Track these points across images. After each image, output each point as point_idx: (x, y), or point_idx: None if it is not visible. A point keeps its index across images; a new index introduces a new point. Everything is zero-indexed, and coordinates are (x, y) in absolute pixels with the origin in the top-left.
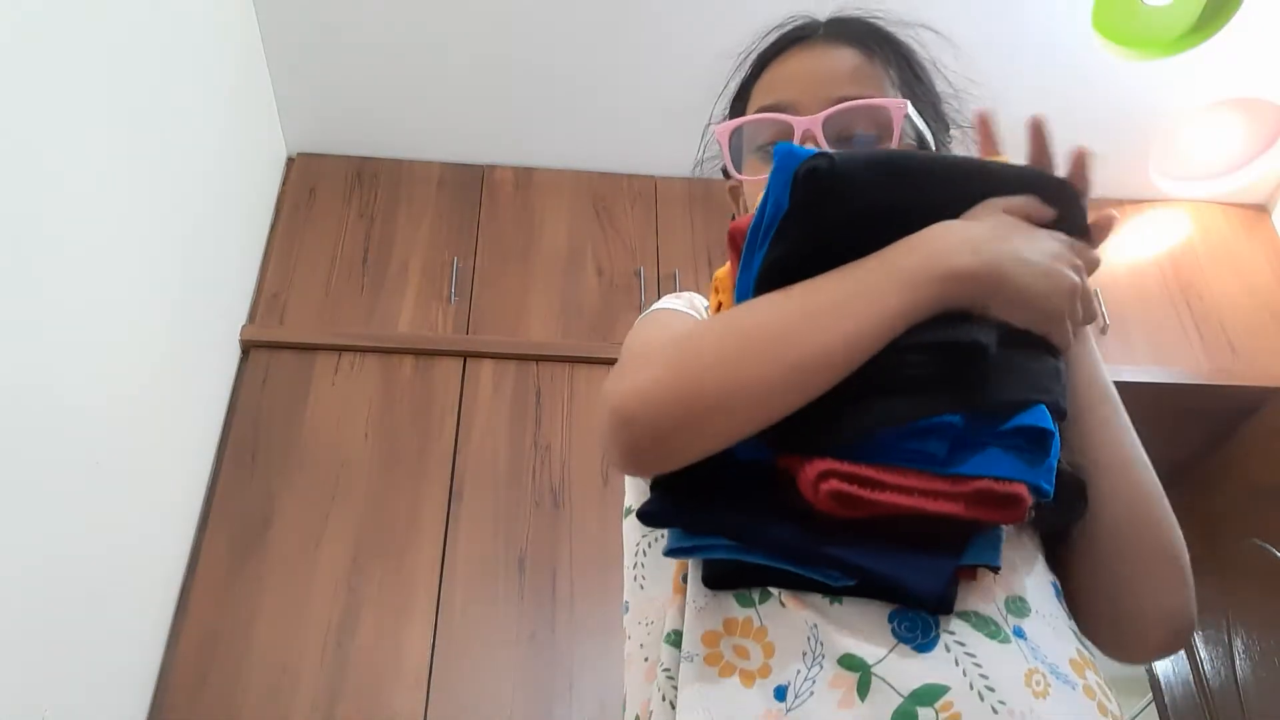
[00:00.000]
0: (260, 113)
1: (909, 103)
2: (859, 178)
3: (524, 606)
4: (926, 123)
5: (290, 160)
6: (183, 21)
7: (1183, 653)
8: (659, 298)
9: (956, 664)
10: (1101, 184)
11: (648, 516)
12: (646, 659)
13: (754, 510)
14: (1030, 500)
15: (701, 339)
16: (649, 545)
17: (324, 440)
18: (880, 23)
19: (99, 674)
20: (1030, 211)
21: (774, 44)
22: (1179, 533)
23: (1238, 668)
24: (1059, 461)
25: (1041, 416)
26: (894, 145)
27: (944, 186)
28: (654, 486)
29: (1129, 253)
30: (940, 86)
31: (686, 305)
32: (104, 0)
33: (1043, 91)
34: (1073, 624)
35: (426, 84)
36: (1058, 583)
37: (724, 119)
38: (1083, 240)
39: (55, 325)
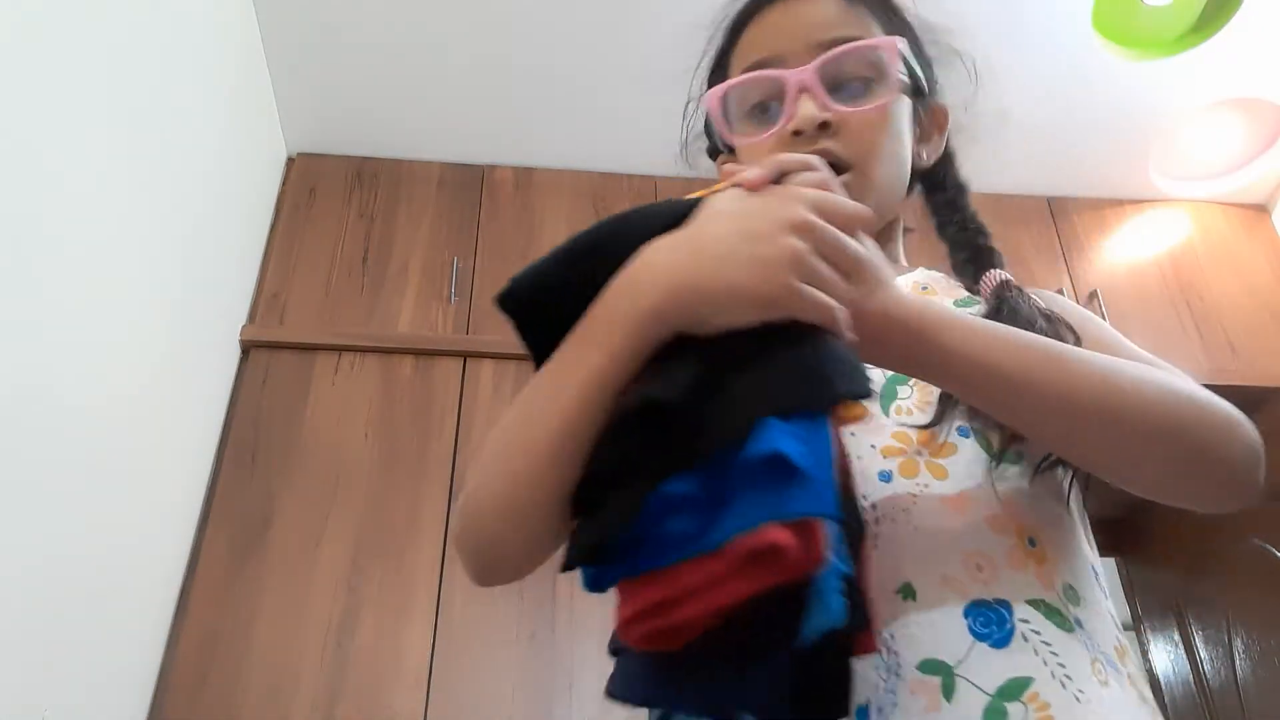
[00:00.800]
0: (260, 113)
1: (902, 39)
2: (551, 278)
3: (524, 606)
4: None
5: (290, 160)
6: (183, 21)
7: (1183, 652)
8: None
9: (1035, 653)
10: (1101, 184)
11: (615, 699)
12: None
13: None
14: (817, 533)
15: (481, 451)
16: None
17: (324, 440)
18: None
19: (99, 674)
20: (746, 183)
21: (745, 8)
22: (1194, 404)
23: (1238, 668)
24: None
25: (770, 435)
26: (890, 85)
27: (645, 232)
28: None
29: (1129, 253)
30: (919, 26)
31: None
32: (104, 0)
33: (1043, 91)
34: (1110, 607)
35: (426, 84)
36: (1097, 564)
37: (704, 91)
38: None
39: (55, 325)
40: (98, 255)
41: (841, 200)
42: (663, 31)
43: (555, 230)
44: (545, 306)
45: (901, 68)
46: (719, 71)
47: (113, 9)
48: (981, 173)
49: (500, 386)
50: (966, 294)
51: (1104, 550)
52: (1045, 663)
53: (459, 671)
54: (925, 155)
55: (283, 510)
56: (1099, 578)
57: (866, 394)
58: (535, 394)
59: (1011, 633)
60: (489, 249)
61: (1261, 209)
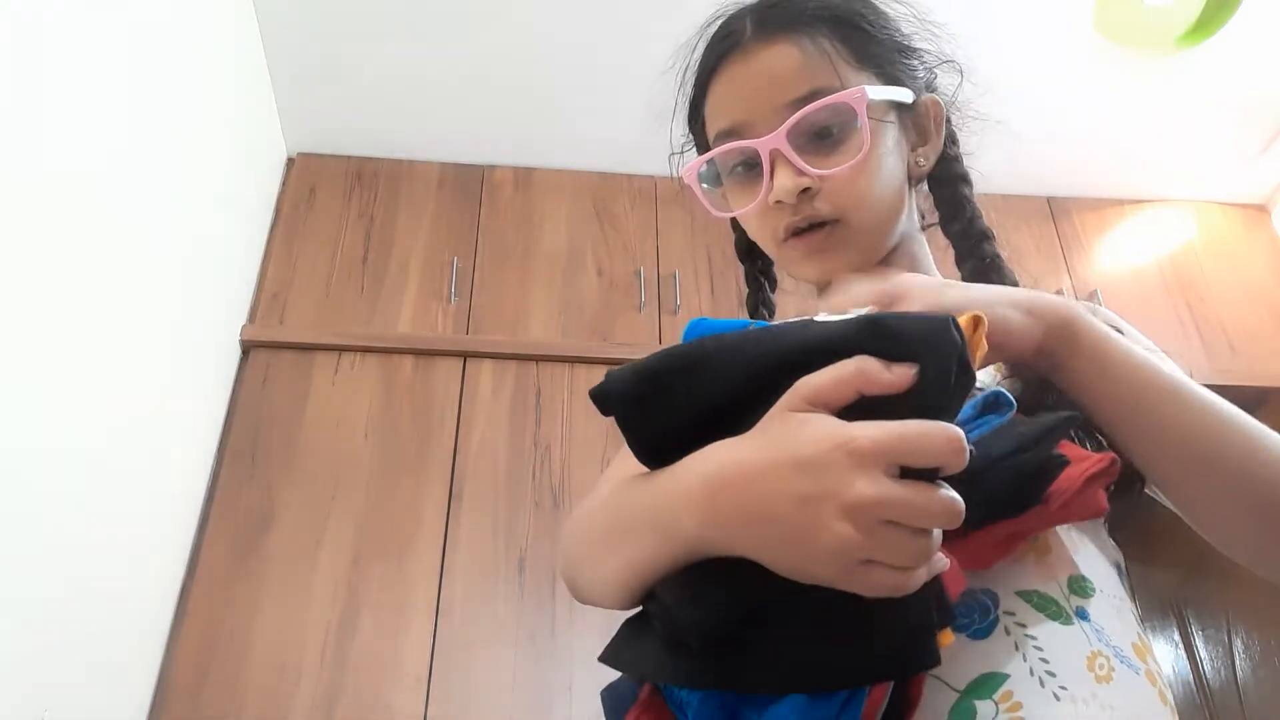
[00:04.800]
0: (260, 113)
1: (866, 87)
2: (640, 389)
3: (524, 606)
4: (895, 81)
5: (290, 160)
6: (183, 22)
7: (1183, 652)
8: (659, 298)
9: (1016, 648)
10: (1102, 184)
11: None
12: None
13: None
14: None
15: (575, 524)
16: None
17: (324, 440)
18: None
19: (99, 674)
20: (852, 388)
21: (707, 59)
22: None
23: (1238, 668)
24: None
25: (796, 710)
26: (864, 137)
27: (742, 369)
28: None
29: (1129, 253)
30: (903, 34)
31: None
32: (105, 1)
33: (1043, 91)
34: (1133, 607)
35: (426, 85)
36: (1121, 562)
37: (683, 142)
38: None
39: (55, 325)
40: (98, 255)
41: (921, 438)
42: (663, 31)
43: (555, 230)
44: (638, 406)
45: (876, 109)
46: (695, 122)
47: (113, 10)
48: (982, 173)
49: (500, 386)
50: None
51: None
52: (1025, 658)
53: (459, 671)
54: (923, 160)
55: (283, 510)
56: (1123, 576)
57: (925, 668)
58: (617, 519)
59: (995, 623)
60: (489, 249)
61: (1261, 209)
